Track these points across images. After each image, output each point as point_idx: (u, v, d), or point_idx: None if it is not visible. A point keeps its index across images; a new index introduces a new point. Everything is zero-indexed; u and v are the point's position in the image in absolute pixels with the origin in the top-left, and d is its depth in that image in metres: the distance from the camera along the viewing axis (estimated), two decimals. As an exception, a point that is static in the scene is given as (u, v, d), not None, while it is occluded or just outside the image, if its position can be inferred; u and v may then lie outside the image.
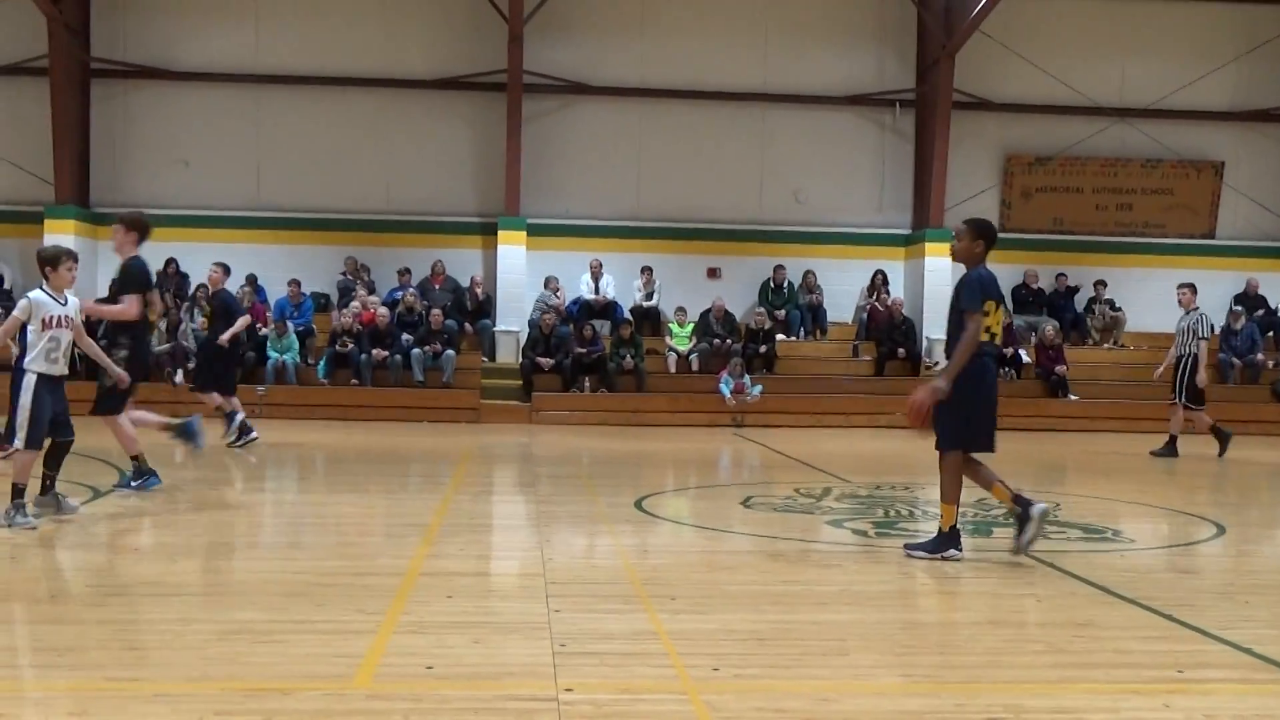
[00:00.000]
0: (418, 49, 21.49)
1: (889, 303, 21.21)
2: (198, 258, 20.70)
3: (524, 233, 21.03)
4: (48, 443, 7.85)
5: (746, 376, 19.12)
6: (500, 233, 21.01)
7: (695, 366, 20.00)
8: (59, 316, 7.76)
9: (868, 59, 22.28)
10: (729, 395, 18.78)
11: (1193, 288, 14.79)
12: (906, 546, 7.21)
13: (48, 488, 8.09)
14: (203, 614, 5.29)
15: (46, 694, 4.16)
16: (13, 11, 20.22)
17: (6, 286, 20.58)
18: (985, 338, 6.92)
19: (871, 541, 7.88)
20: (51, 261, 7.87)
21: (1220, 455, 14.49)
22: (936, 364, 21.00)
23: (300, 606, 5.44)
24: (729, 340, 20.25)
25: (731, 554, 7.55)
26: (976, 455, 7.07)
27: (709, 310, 20.69)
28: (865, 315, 21.42)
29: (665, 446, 15.27)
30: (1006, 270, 20.24)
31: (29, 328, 7.71)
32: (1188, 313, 14.61)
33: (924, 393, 7.01)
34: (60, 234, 20.12)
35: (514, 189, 20.92)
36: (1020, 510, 6.88)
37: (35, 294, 7.77)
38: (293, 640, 4.83)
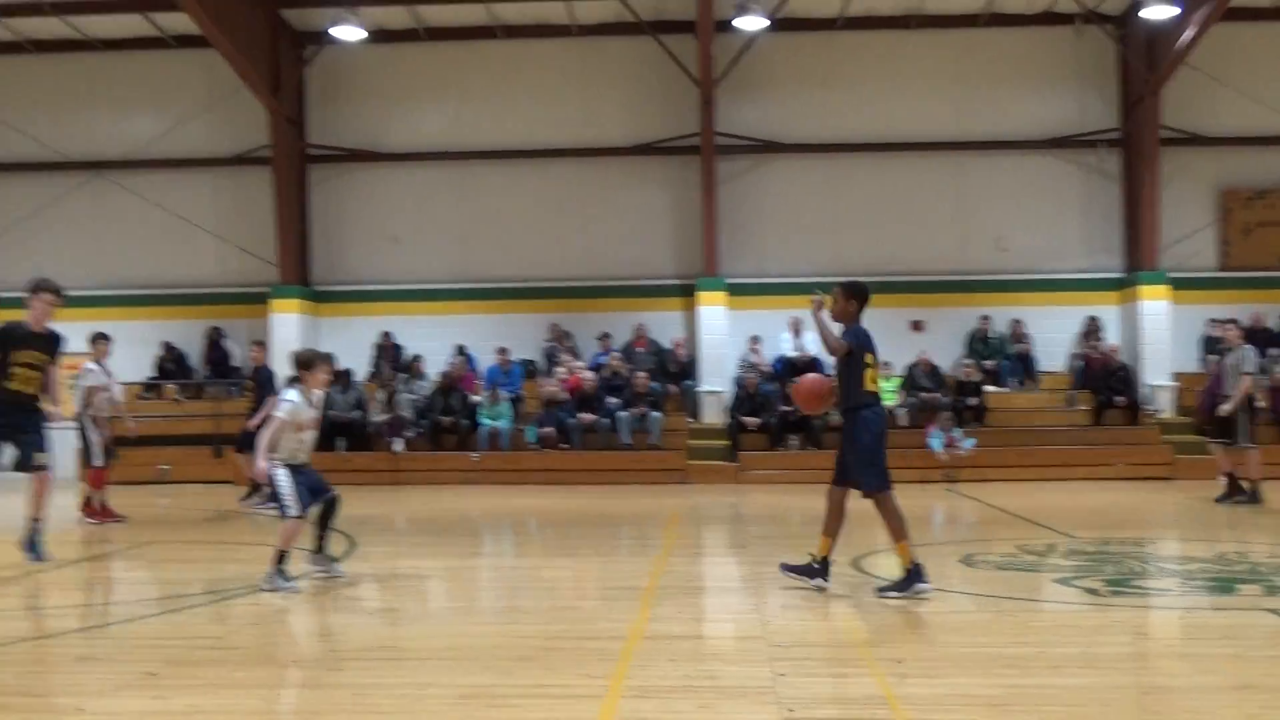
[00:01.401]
0: (613, 117, 21.97)
1: (1104, 349, 20.44)
2: (411, 330, 21.60)
3: (724, 292, 21.13)
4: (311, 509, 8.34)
5: (957, 430, 18.67)
6: (700, 293, 21.16)
7: (903, 421, 19.64)
8: (310, 419, 8.18)
9: (1067, 100, 21.70)
10: (940, 449, 18.36)
11: (1236, 322, 14.46)
12: (879, 589, 7.65)
13: (320, 548, 8.53)
14: (438, 678, 5.43)
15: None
16: (239, 107, 21.57)
17: (235, 364, 21.75)
18: (872, 388, 7.65)
19: (1104, 600, 7.55)
20: (307, 364, 8.30)
21: (1223, 499, 13.91)
22: (1157, 411, 20.11)
23: (530, 671, 5.54)
24: (937, 393, 19.85)
25: (956, 614, 7.34)
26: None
27: (914, 364, 20.33)
28: (1080, 363, 20.68)
29: (875, 503, 14.98)
30: (1234, 309, 19.32)
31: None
32: (1232, 350, 14.05)
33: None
34: (285, 313, 21.30)
35: (712, 249, 21.08)
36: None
37: (294, 398, 8.13)
38: (526, 705, 4.91)
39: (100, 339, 13.32)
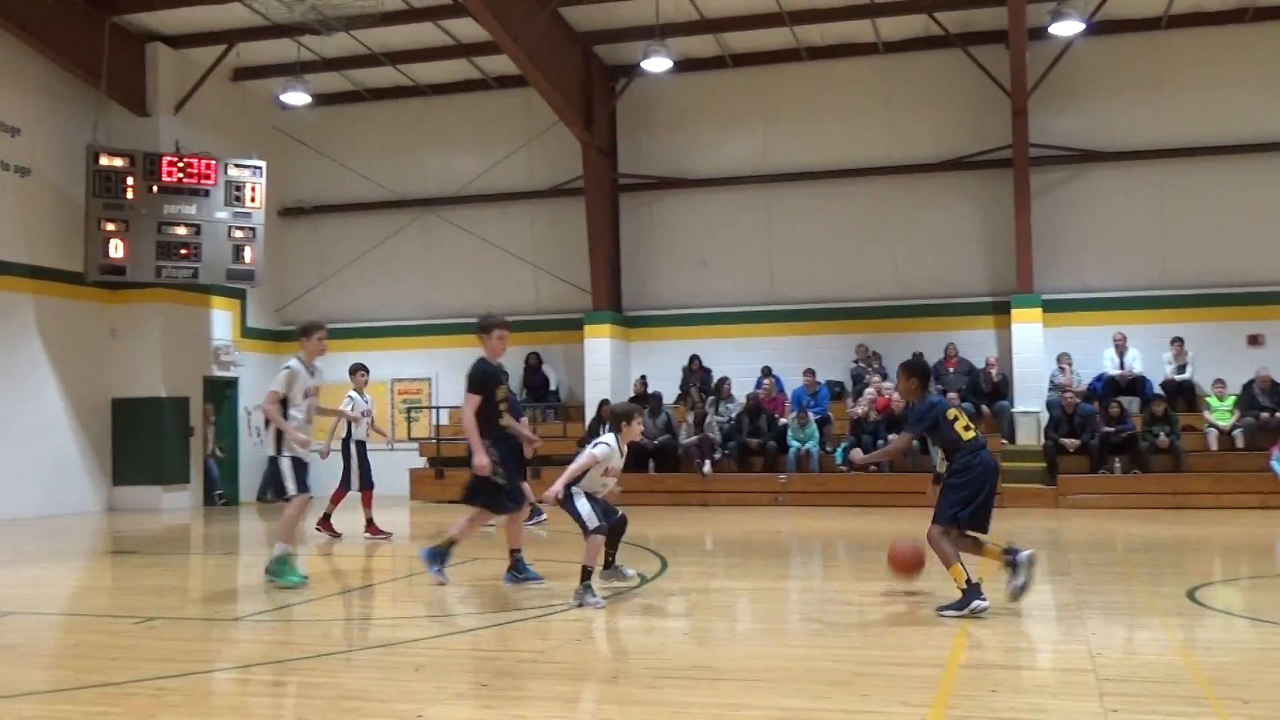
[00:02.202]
0: (920, 133, 21.59)
1: None
2: (719, 353, 21.87)
3: (1039, 309, 20.34)
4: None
5: (1303, 452, 17.25)
6: (1014, 311, 20.44)
7: (1240, 443, 18.30)
8: (617, 467, 8.87)
9: None
10: (1283, 473, 17.01)
11: None
12: (938, 609, 7.98)
13: (610, 563, 8.84)
14: (752, 699, 5.44)
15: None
16: (554, 142, 22.55)
17: (553, 388, 22.65)
18: (970, 436, 8.20)
19: None
20: (627, 417, 9.13)
21: None
22: None
23: (845, 695, 5.48)
24: (1278, 413, 18.38)
25: (1309, 653, 6.76)
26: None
27: (1252, 381, 18.90)
28: None
29: (1211, 531, 14.03)
30: None
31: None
32: None
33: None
34: (598, 338, 22.01)
35: (1026, 265, 20.34)
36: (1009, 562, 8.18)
37: (611, 444, 8.86)
38: (842, 730, 4.86)
39: (359, 370, 14.30)
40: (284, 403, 9.76)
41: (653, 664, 6.45)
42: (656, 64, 20.58)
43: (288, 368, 9.89)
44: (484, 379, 9.60)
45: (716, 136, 22.67)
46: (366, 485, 14.44)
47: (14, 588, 10.69)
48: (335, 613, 8.79)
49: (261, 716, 5.42)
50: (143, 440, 20.40)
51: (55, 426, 19.21)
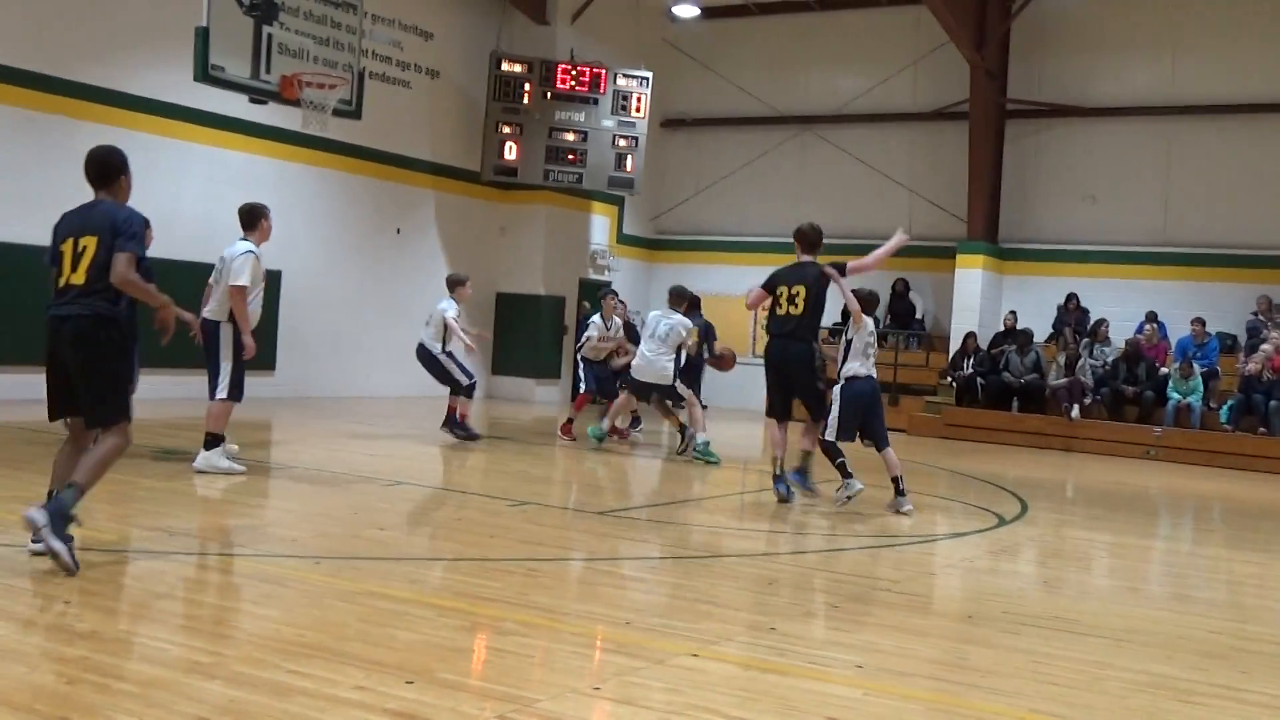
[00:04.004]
0: (1357, 68, 19.42)
1: None
2: (1099, 293, 20.74)
3: None
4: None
5: None
6: None
7: None
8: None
9: None
10: None
11: None
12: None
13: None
14: (1115, 659, 5.21)
15: (974, 713, 4.35)
16: (941, 63, 21.84)
17: (919, 316, 22.21)
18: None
19: None
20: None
21: None
22: None
23: (1222, 670, 5.14)
24: None
25: None
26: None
27: None
28: None
29: None
30: None
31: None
32: None
33: None
34: (970, 268, 21.35)
35: None
36: None
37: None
38: (1217, 706, 4.57)
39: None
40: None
41: (1009, 608, 6.27)
42: (1060, -17, 19.49)
43: None
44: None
45: (1117, 63, 21.24)
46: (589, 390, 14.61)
47: (405, 460, 11.68)
48: (692, 519, 9.06)
49: (623, 607, 5.68)
50: (521, 334, 21.65)
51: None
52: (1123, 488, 13.71)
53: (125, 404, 5.80)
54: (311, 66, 15.33)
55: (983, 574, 7.48)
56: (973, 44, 20.62)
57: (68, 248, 5.71)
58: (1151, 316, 19.80)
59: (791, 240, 10.13)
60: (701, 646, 4.90)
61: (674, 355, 12.63)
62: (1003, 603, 6.50)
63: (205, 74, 13.78)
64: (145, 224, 5.77)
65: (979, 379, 19.63)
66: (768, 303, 9.71)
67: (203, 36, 13.64)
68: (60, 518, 5.35)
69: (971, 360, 20.00)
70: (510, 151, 20.76)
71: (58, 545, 5.30)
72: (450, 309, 13.02)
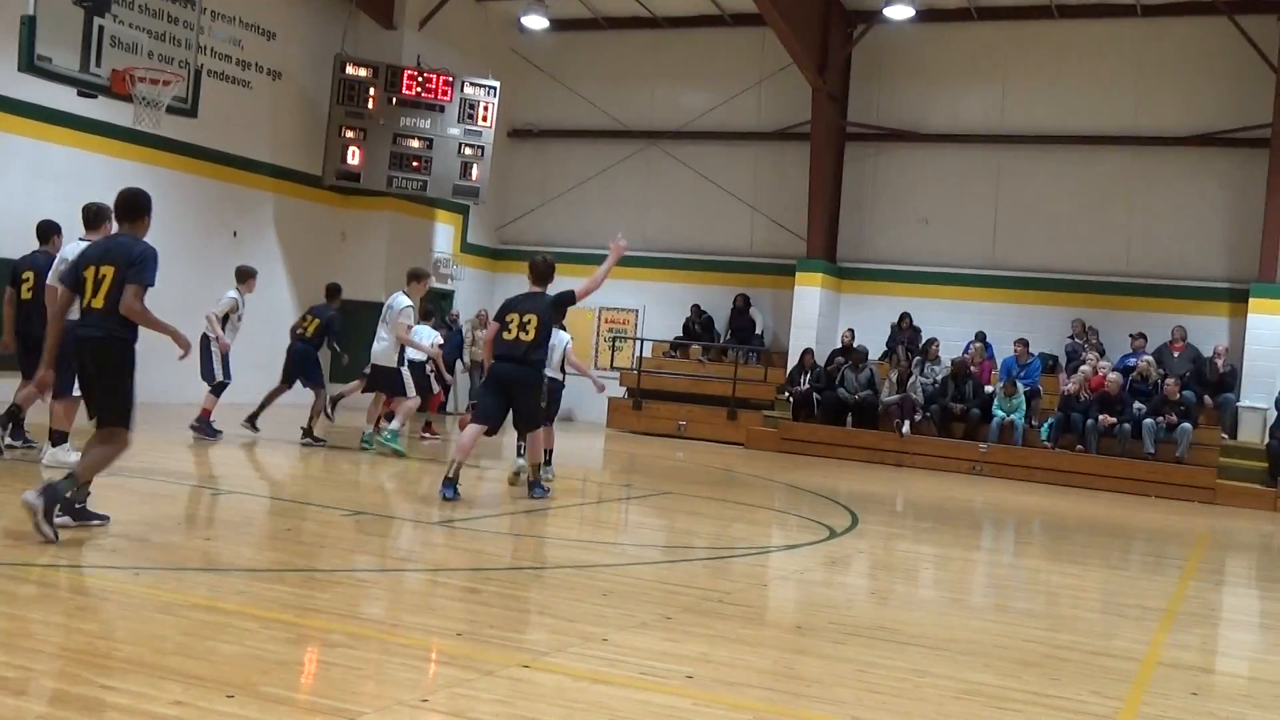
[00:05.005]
0: (1171, 104, 20.49)
1: None
2: (930, 313, 21.42)
3: (1280, 301, 19.19)
4: None
5: None
6: (1252, 300, 19.29)
7: None
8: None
9: None
10: None
11: None
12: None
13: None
14: (935, 668, 5.37)
15: (798, 721, 4.45)
16: (785, 84, 22.29)
17: (759, 332, 22.60)
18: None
19: None
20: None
21: None
22: None
23: (1035, 677, 5.35)
24: None
25: None
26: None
27: None
28: None
29: None
30: None
31: None
32: None
33: None
34: (809, 286, 21.82)
35: (1272, 253, 19.11)
36: None
37: None
38: (1031, 712, 4.75)
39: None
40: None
41: (837, 619, 6.42)
42: (899, 11, 20.09)
43: None
44: None
45: (952, 92, 22.01)
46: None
47: (235, 468, 11.37)
48: (526, 529, 9.04)
49: (455, 618, 5.63)
50: (362, 341, 21.24)
51: (282, 319, 20.17)
52: (950, 502, 14.17)
53: (127, 414, 6.76)
54: (146, 61, 14.87)
55: (813, 585, 7.63)
56: (815, 67, 21.12)
57: (89, 274, 6.71)
58: (980, 336, 20.54)
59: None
60: (533, 658, 4.89)
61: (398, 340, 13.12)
62: (831, 613, 6.64)
63: (31, 64, 13.22)
64: (156, 257, 6.73)
65: (815, 395, 20.07)
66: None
67: (29, 25, 13.09)
68: (53, 501, 6.35)
69: (809, 376, 20.43)
70: (353, 156, 20.44)
71: (46, 529, 6.28)
72: (226, 300, 13.10)
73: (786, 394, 20.57)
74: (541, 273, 10.21)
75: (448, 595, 6.31)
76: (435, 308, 17.53)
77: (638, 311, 23.63)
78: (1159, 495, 17.04)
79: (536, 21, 22.22)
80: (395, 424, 13.29)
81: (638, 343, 23.08)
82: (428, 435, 15.96)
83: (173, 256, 18.69)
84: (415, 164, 20.70)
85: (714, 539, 9.26)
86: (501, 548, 8.09)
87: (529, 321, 9.73)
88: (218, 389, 13.10)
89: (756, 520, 11.11)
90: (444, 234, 23.15)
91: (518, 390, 9.78)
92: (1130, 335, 19.83)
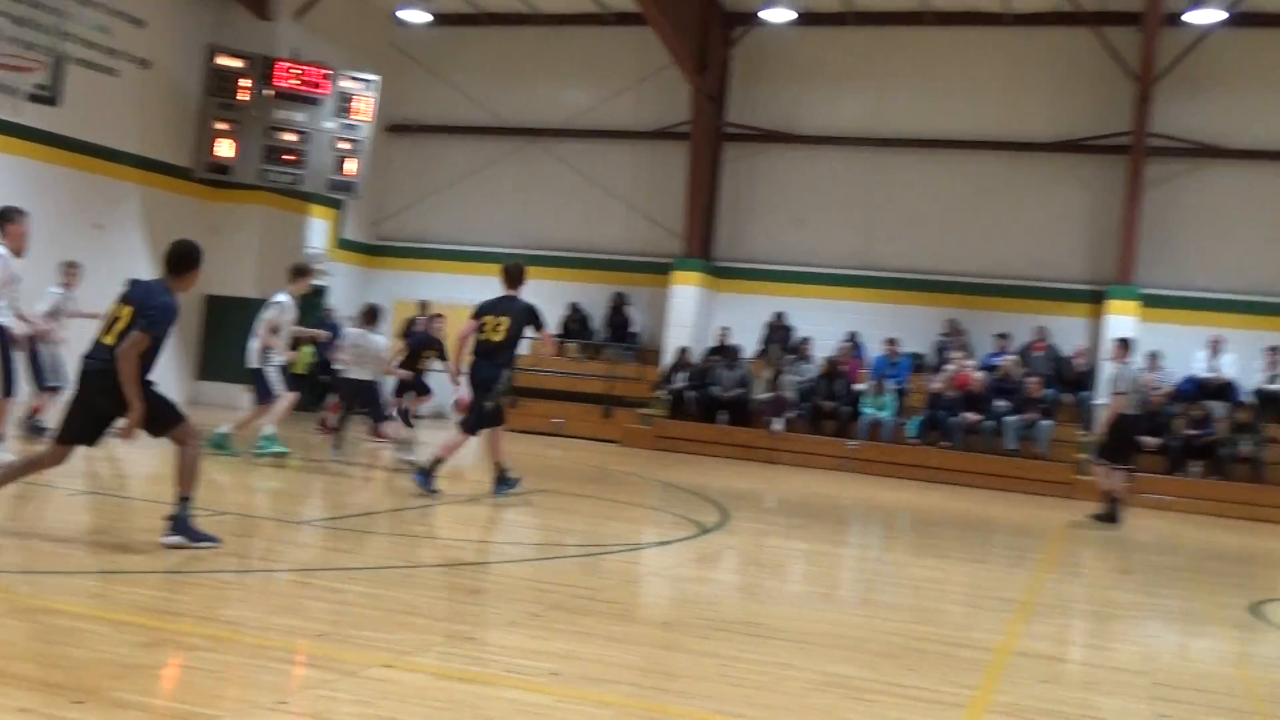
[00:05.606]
0: (1037, 111, 21.13)
1: None
2: (804, 312, 21.75)
3: (1137, 303, 19.92)
4: None
5: None
6: (1109, 302, 20.04)
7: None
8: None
9: None
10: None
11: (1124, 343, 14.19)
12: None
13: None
14: (798, 660, 5.48)
15: (663, 717, 4.49)
16: (665, 84, 22.44)
17: (635, 330, 22.70)
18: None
19: None
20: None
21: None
22: None
23: (893, 668, 5.48)
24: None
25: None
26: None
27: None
28: None
29: (1286, 548, 13.76)
30: None
31: None
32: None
33: None
34: (685, 285, 21.99)
35: (1128, 257, 19.91)
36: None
37: None
38: (886, 702, 4.87)
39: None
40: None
41: (705, 614, 6.50)
42: (777, 14, 20.35)
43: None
44: None
45: (829, 95, 22.38)
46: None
47: (94, 466, 11.04)
48: (398, 529, 8.96)
49: (318, 618, 5.56)
50: (231, 338, 20.80)
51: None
52: (819, 498, 14.43)
53: (173, 412, 6.94)
54: (5, 47, 14.36)
55: (683, 581, 7.71)
56: (695, 67, 21.30)
57: (113, 310, 6.85)
58: (850, 336, 20.93)
59: (513, 249, 10.71)
60: (396, 657, 4.85)
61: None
62: (699, 609, 6.73)
63: (-123, 47, 12.69)
64: (172, 312, 6.77)
65: (690, 392, 20.24)
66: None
67: (-125, 6, 12.56)
68: (185, 526, 6.70)
69: (684, 374, 20.59)
70: (224, 148, 19.98)
71: (195, 548, 6.65)
72: (52, 295, 12.83)
73: (662, 392, 20.71)
74: (514, 276, 10.50)
75: (312, 596, 6.22)
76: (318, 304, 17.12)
77: (515, 309, 23.51)
78: (1022, 490, 17.59)
79: (416, 15, 22.00)
80: (267, 428, 12.96)
81: (515, 340, 22.94)
82: (324, 431, 15.24)
83: (32, 249, 18.12)
84: (289, 157, 20.29)
85: (587, 536, 9.29)
86: (372, 547, 8.01)
87: (500, 324, 10.18)
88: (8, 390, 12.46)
89: (629, 517, 11.18)
90: (318, 229, 22.76)
91: (484, 387, 10.26)
92: (995, 335, 20.42)
